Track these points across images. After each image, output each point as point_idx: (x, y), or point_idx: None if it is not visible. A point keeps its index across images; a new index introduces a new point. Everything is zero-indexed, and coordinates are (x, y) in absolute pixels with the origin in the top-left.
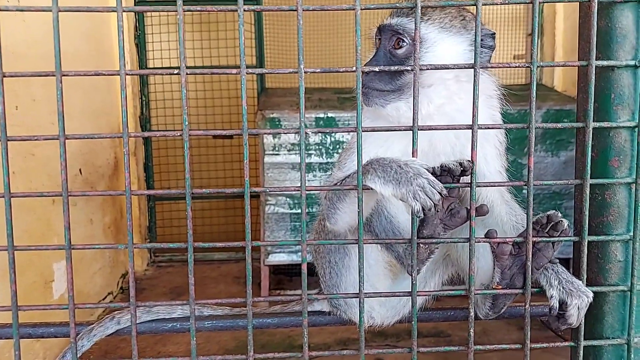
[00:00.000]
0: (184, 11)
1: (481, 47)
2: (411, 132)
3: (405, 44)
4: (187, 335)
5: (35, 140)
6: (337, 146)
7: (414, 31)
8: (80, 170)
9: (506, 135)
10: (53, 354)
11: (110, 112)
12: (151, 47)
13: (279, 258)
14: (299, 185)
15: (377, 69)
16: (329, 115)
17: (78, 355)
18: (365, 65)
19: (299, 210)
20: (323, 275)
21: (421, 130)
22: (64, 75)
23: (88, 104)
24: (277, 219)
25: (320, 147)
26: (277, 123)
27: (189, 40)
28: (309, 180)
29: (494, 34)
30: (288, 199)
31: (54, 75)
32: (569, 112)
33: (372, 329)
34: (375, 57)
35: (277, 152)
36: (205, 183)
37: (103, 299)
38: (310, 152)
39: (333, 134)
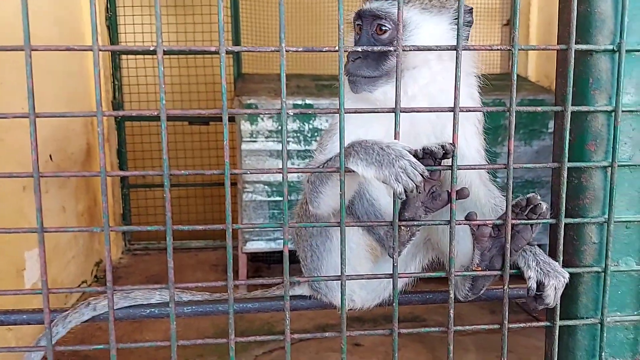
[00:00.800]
0: None
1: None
2: (392, 113)
3: (387, 28)
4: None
5: (4, 118)
6: (315, 133)
7: (396, 14)
8: (50, 156)
9: (484, 115)
10: (26, 343)
11: (83, 99)
12: (123, 30)
13: (257, 245)
14: (279, 169)
15: (359, 48)
16: (307, 102)
17: (53, 342)
18: (349, 53)
19: (277, 198)
20: (304, 259)
21: (404, 112)
22: (34, 50)
23: (61, 91)
24: (254, 207)
25: (298, 134)
26: (255, 109)
27: (164, 23)
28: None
29: (472, 9)
30: (266, 187)
31: (22, 50)
32: (542, 102)
33: (351, 314)
34: (358, 43)
35: (254, 139)
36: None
37: (79, 286)
38: (288, 139)
39: (311, 122)
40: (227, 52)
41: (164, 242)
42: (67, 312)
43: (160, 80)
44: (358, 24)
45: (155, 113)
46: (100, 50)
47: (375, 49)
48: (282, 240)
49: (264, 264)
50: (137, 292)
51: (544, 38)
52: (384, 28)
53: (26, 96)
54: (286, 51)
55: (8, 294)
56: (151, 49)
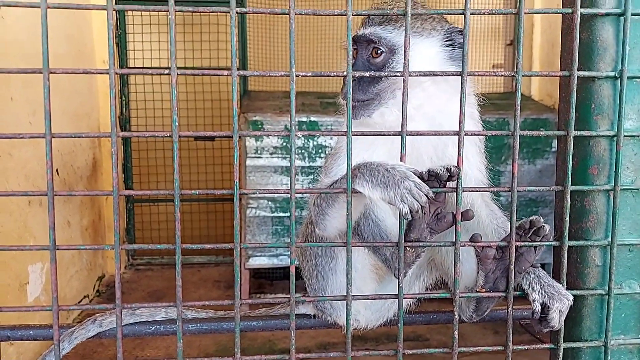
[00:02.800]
0: (176, 11)
1: (452, 45)
2: (395, 135)
3: (381, 51)
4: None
5: (21, 138)
6: (320, 150)
7: (388, 38)
8: (57, 170)
9: (484, 127)
10: (27, 358)
11: (90, 114)
12: (132, 47)
13: (260, 262)
14: (285, 188)
15: (367, 74)
16: (312, 119)
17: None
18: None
19: (281, 214)
20: (309, 279)
21: (409, 135)
22: (52, 73)
23: (68, 106)
24: (258, 223)
25: (303, 150)
26: (260, 126)
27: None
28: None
29: (461, 30)
30: (270, 202)
31: (41, 72)
32: (545, 121)
33: (354, 333)
34: (354, 67)
35: (259, 155)
36: (187, 186)
37: (79, 302)
38: None
39: (316, 138)
40: (239, 75)
41: (167, 258)
42: (73, 328)
43: (174, 102)
44: (354, 48)
45: (168, 134)
46: (117, 73)
47: (381, 74)
48: (284, 257)
49: (267, 280)
50: (142, 309)
51: (547, 58)
52: (378, 52)
53: (34, 111)
54: (296, 76)
55: (19, 310)
56: (166, 72)
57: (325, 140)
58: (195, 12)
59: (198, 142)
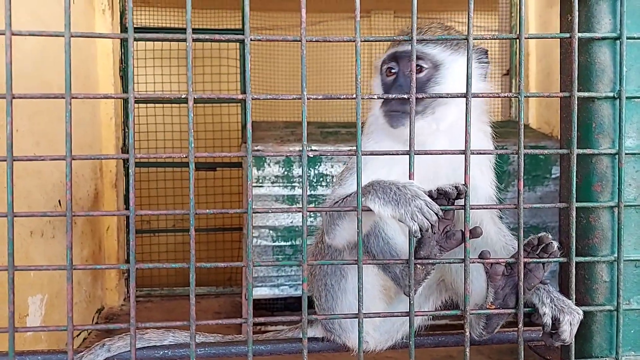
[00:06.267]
0: (193, 40)
1: (482, 62)
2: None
3: (424, 68)
4: None
5: (42, 160)
6: (321, 179)
7: (431, 54)
8: (59, 201)
9: (495, 156)
10: None
11: (92, 144)
12: (136, 80)
13: (261, 292)
14: (296, 207)
15: (375, 96)
16: (313, 148)
17: None
18: (391, 91)
19: (282, 243)
20: (319, 299)
21: (417, 154)
22: (74, 98)
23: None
24: (259, 252)
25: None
26: (262, 157)
27: (174, 74)
28: (294, 213)
29: (487, 50)
30: (271, 231)
31: (63, 98)
32: (543, 148)
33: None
34: (396, 82)
35: (260, 184)
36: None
37: (77, 336)
38: (294, 184)
39: (317, 167)
40: (254, 99)
41: (166, 289)
42: (82, 353)
43: (190, 125)
44: (389, 67)
45: (185, 155)
46: (136, 98)
47: (389, 96)
48: (285, 287)
49: (267, 311)
50: (150, 334)
51: (542, 86)
52: (420, 67)
53: (37, 142)
54: (307, 99)
55: (34, 330)
56: (182, 96)
57: (326, 169)
58: (211, 40)
59: (199, 172)
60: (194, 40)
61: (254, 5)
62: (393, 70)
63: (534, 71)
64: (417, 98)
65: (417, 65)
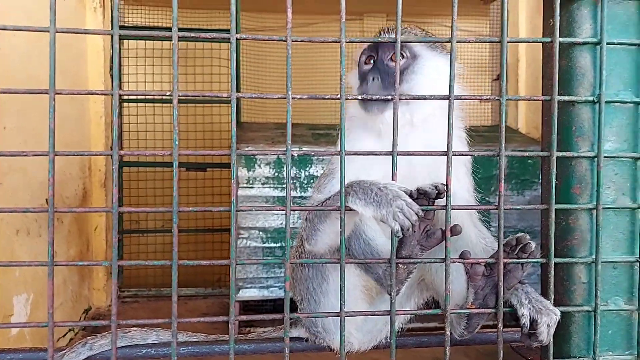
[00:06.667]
0: (178, 37)
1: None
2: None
3: (404, 56)
4: None
5: (25, 155)
6: (312, 180)
7: (410, 44)
8: (46, 200)
9: (473, 160)
10: None
11: (80, 142)
12: (126, 79)
13: (250, 294)
14: (276, 218)
15: (360, 97)
16: (304, 149)
17: None
18: (367, 77)
19: (272, 244)
20: (301, 303)
21: (400, 155)
22: (58, 94)
23: (59, 134)
24: (249, 253)
25: (295, 181)
26: (252, 157)
27: (166, 73)
28: (284, 214)
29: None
30: (261, 233)
31: (47, 93)
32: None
33: (346, 357)
34: (373, 70)
35: (251, 185)
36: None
37: (63, 336)
38: (284, 185)
39: (308, 169)
40: (239, 97)
41: (154, 289)
42: (64, 352)
43: (175, 124)
44: (368, 56)
45: (168, 153)
46: (121, 95)
47: (373, 97)
48: (275, 288)
49: (256, 313)
50: (134, 332)
51: (532, 89)
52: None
53: (25, 140)
54: (292, 98)
55: (15, 326)
56: (167, 95)
57: (317, 171)
58: (197, 38)
59: (189, 172)
60: (180, 39)
61: (247, 6)
62: (372, 59)
63: (523, 77)
64: (391, 86)
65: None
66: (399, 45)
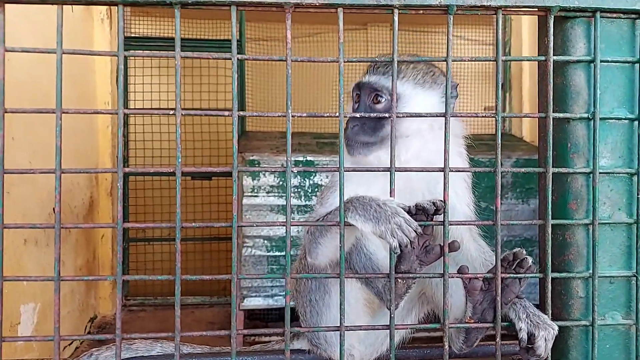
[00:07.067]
0: (181, 57)
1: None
2: (389, 173)
3: (383, 99)
4: None
5: (32, 173)
6: (316, 189)
7: (391, 87)
8: (54, 209)
9: (473, 175)
10: None
11: (89, 154)
12: (132, 89)
13: (255, 302)
14: (281, 221)
15: (358, 115)
16: (308, 158)
17: None
18: (349, 120)
19: (277, 253)
20: (303, 315)
21: (398, 171)
22: (64, 113)
23: (68, 146)
24: (254, 262)
25: (299, 189)
26: (257, 165)
27: (172, 84)
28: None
29: (457, 84)
30: (266, 241)
31: (54, 112)
32: (536, 162)
33: None
34: (357, 111)
35: (255, 194)
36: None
37: (69, 344)
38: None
39: (312, 178)
40: (240, 115)
41: (160, 298)
42: None
43: (178, 141)
44: (357, 94)
45: (171, 170)
46: (125, 113)
47: (371, 115)
48: (279, 297)
49: (262, 321)
50: (138, 344)
51: (535, 99)
52: (379, 99)
53: (34, 151)
54: (292, 116)
55: (22, 340)
56: (171, 113)
57: (321, 180)
58: (199, 57)
59: (195, 181)
60: (183, 57)
61: (253, 16)
62: (359, 97)
63: (527, 87)
64: (375, 129)
65: (378, 96)
66: (396, 65)
